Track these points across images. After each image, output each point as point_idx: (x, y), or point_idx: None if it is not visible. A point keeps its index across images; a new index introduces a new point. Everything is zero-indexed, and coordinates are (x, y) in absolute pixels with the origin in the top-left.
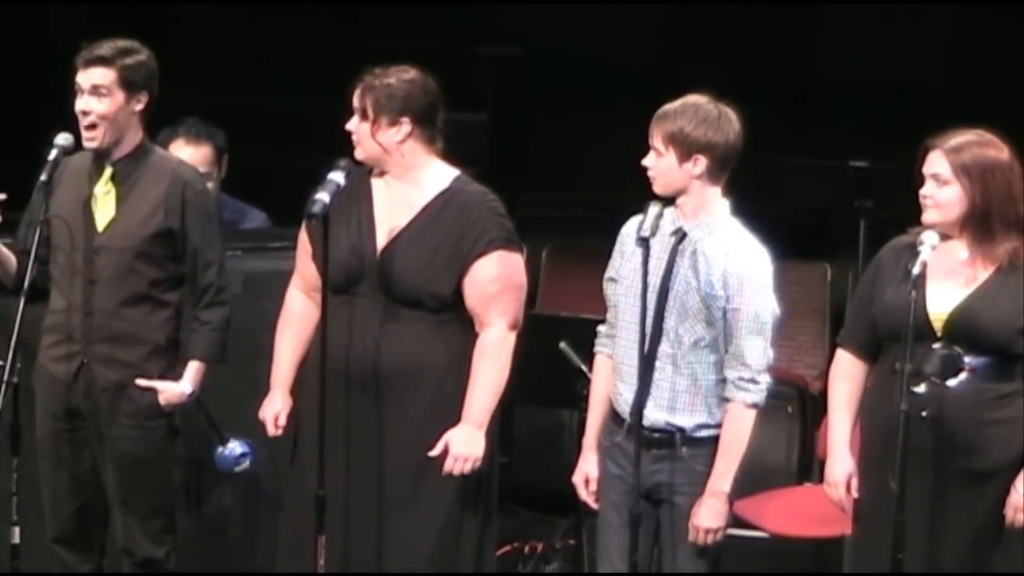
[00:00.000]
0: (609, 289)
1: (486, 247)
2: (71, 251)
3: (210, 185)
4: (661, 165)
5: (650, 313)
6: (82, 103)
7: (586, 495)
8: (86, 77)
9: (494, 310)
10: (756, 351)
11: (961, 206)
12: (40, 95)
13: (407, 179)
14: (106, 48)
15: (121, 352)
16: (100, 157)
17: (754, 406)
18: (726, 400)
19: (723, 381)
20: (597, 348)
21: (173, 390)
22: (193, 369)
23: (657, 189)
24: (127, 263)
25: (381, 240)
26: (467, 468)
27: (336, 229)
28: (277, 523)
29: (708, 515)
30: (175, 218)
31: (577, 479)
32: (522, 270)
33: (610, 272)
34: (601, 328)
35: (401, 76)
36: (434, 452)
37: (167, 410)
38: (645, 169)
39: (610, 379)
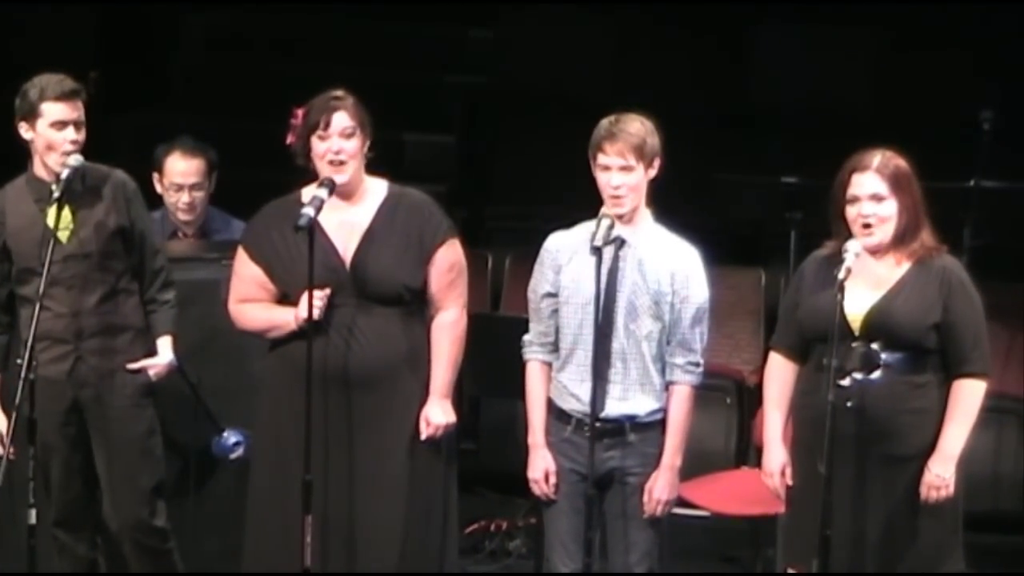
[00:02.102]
0: (544, 303)
1: (443, 238)
2: (42, 267)
3: (200, 195)
4: (634, 179)
5: (600, 315)
6: (69, 134)
7: (547, 488)
8: (70, 109)
9: (452, 294)
10: (700, 337)
11: (898, 218)
12: None
13: (354, 195)
14: (71, 82)
15: (110, 341)
16: (40, 180)
17: (698, 387)
18: (671, 383)
19: (663, 368)
20: (529, 355)
21: (160, 363)
22: (167, 343)
23: (627, 205)
24: (97, 263)
25: (344, 251)
26: (440, 435)
27: (296, 254)
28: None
29: (664, 487)
30: (124, 215)
31: (537, 475)
32: (463, 256)
33: (543, 288)
34: (527, 337)
35: (350, 94)
36: (424, 436)
37: (159, 383)
38: (593, 183)
39: (546, 382)
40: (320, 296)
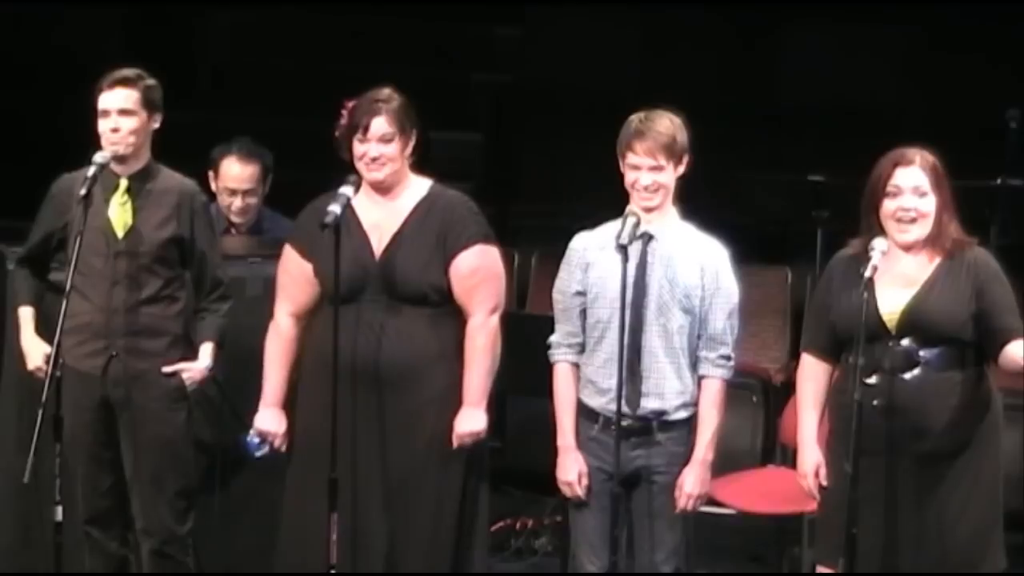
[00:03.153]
0: (573, 302)
1: (466, 242)
2: (93, 256)
3: (254, 200)
4: (664, 178)
5: (629, 311)
6: (111, 122)
7: (579, 491)
8: (113, 98)
9: (476, 298)
10: (731, 330)
11: (935, 214)
12: (69, 119)
13: (394, 193)
14: (127, 71)
15: (145, 343)
16: (112, 171)
17: (729, 381)
18: (702, 377)
19: (694, 362)
20: (557, 357)
21: (196, 368)
22: (208, 349)
23: (655, 202)
24: (145, 265)
25: (377, 248)
26: (469, 442)
27: (331, 248)
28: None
29: (695, 482)
30: (185, 226)
31: (570, 477)
32: (499, 261)
33: (572, 287)
34: (554, 339)
35: (397, 94)
36: (455, 445)
37: (191, 388)
38: (620, 182)
39: (575, 384)
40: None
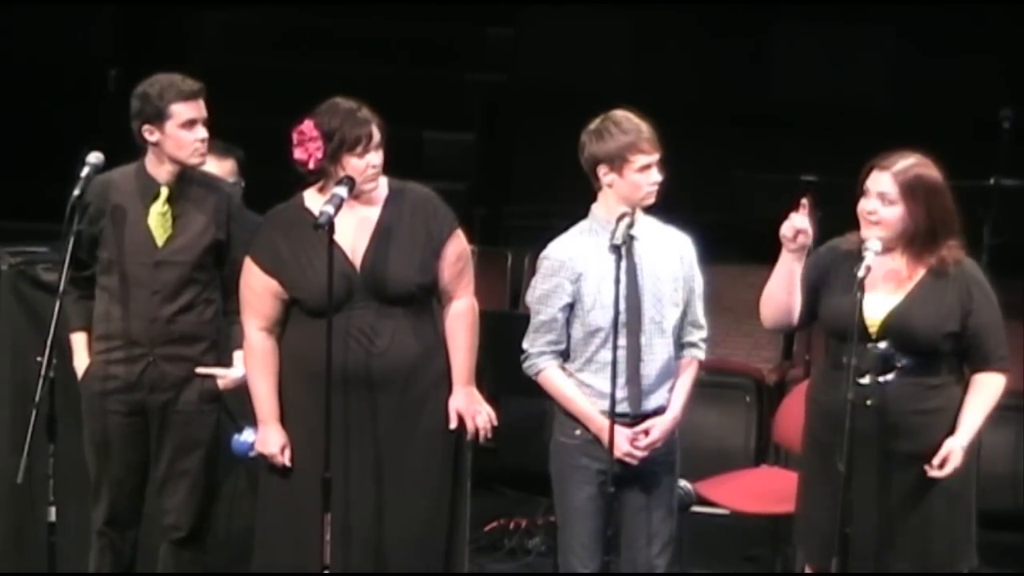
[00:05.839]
0: (562, 315)
1: (449, 230)
2: (131, 265)
3: None
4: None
5: (628, 314)
6: (201, 132)
7: (641, 452)
8: (198, 108)
9: (461, 283)
10: (703, 312)
11: (903, 224)
12: (69, 116)
13: (359, 198)
14: (190, 82)
15: (184, 350)
16: (151, 177)
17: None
18: (683, 358)
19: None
20: (543, 363)
21: (232, 375)
22: (241, 356)
23: (655, 199)
24: (187, 274)
25: (355, 255)
26: (490, 419)
27: (305, 260)
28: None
29: (661, 432)
30: (223, 230)
31: (627, 447)
32: (467, 244)
33: (561, 300)
34: (535, 349)
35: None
36: (453, 425)
37: (225, 393)
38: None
39: (569, 378)
40: None
